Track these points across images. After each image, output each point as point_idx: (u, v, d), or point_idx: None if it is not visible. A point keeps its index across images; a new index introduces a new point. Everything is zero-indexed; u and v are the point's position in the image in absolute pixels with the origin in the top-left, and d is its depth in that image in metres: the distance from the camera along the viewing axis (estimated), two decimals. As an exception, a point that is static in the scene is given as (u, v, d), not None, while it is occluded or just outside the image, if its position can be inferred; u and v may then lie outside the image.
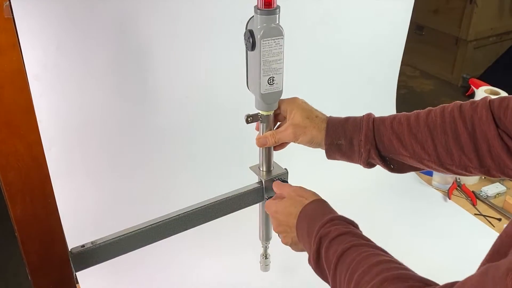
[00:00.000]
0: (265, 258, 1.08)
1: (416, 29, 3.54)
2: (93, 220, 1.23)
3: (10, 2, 0.54)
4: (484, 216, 1.43)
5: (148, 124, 1.31)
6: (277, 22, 0.82)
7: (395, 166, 0.86)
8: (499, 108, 0.74)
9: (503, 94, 1.51)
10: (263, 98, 0.86)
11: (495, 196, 1.50)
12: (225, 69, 1.31)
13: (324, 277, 0.74)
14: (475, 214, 1.44)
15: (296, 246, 0.85)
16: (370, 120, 0.85)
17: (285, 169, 0.98)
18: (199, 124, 1.37)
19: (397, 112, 1.76)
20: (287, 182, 0.97)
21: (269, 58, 0.83)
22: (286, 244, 0.87)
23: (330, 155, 0.89)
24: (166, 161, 1.36)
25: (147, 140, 1.32)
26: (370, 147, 0.83)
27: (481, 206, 1.47)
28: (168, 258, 1.25)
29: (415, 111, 0.84)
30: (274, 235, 1.06)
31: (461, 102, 0.80)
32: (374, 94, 1.67)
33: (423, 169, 0.86)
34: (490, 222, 1.40)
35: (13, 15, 0.55)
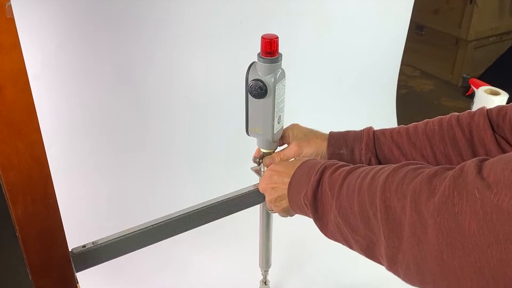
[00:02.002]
0: (265, 285, 1.11)
1: (416, 29, 3.53)
2: (94, 220, 1.23)
3: (10, 3, 0.53)
4: (484, 216, 1.43)
5: (148, 124, 1.31)
6: (282, 65, 0.85)
7: None
8: (497, 116, 0.76)
9: (503, 94, 1.51)
10: (274, 138, 0.89)
11: (495, 196, 1.50)
12: (225, 70, 1.31)
13: (316, 212, 0.69)
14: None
15: (279, 202, 0.81)
16: (370, 131, 0.87)
17: (286, 169, 0.98)
18: (199, 124, 1.37)
19: (397, 111, 1.76)
20: None
21: (278, 100, 0.86)
22: (270, 200, 0.83)
23: None
24: (166, 162, 1.36)
25: (147, 140, 1.32)
26: (371, 156, 0.85)
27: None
28: (169, 258, 1.25)
29: (413, 123, 0.87)
30: (274, 262, 1.07)
31: (458, 113, 0.82)
32: (374, 94, 1.67)
33: None
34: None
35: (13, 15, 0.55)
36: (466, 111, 0.81)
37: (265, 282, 1.11)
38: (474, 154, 0.77)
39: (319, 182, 0.69)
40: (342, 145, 0.87)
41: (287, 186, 0.78)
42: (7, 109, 0.58)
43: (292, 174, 0.77)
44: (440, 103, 3.24)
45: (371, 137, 0.86)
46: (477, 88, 1.57)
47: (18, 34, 0.55)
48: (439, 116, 0.84)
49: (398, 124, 1.74)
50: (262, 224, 1.02)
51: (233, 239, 1.31)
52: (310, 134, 0.91)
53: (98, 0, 1.10)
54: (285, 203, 0.80)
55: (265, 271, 1.09)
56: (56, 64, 1.12)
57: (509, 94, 1.51)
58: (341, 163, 0.71)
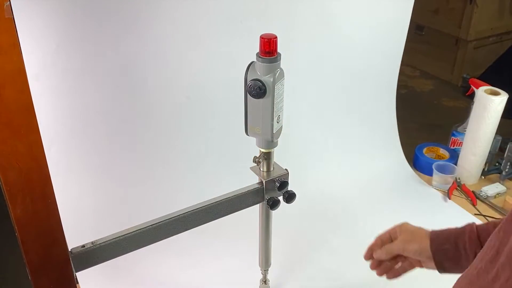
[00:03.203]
0: (265, 284, 1.11)
1: (416, 29, 3.54)
2: (93, 220, 1.23)
3: (10, 2, 0.53)
4: (484, 216, 1.43)
5: (148, 124, 1.31)
6: (281, 65, 0.85)
7: None
8: None
9: (503, 94, 1.50)
10: (273, 138, 0.90)
11: (495, 196, 1.50)
12: (225, 69, 1.31)
13: None
14: (475, 214, 1.44)
15: None
16: (472, 225, 0.88)
17: (286, 169, 0.98)
18: (199, 124, 1.37)
19: (397, 112, 1.76)
20: (287, 182, 0.98)
21: (277, 100, 0.86)
22: None
23: (439, 264, 0.89)
24: (166, 161, 1.36)
25: (147, 140, 1.32)
26: (476, 248, 0.85)
27: (481, 206, 1.47)
28: (168, 258, 1.25)
29: None
30: (274, 261, 1.06)
31: None
32: (374, 94, 1.66)
33: None
34: (490, 222, 1.40)
35: (13, 15, 0.55)
36: None
37: (265, 281, 1.11)
38: None
39: None
40: (445, 241, 0.88)
41: None
42: (6, 109, 0.58)
43: None
44: (440, 103, 3.25)
45: (474, 229, 0.86)
46: (477, 88, 1.56)
47: (18, 34, 0.55)
48: None
49: (398, 124, 1.74)
50: (261, 223, 1.02)
51: (232, 238, 1.31)
52: (416, 231, 0.93)
53: (98, 0, 1.10)
54: None
55: (265, 270, 1.10)
56: (56, 64, 1.12)
57: (509, 94, 1.51)
58: None
